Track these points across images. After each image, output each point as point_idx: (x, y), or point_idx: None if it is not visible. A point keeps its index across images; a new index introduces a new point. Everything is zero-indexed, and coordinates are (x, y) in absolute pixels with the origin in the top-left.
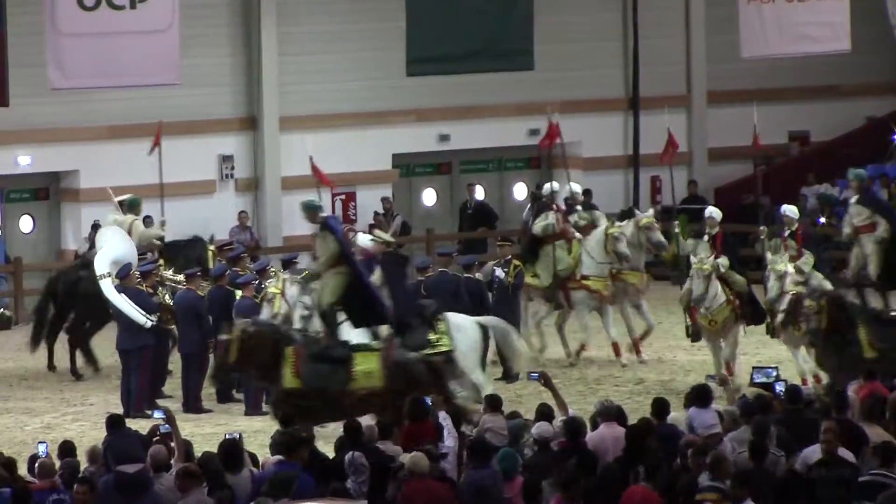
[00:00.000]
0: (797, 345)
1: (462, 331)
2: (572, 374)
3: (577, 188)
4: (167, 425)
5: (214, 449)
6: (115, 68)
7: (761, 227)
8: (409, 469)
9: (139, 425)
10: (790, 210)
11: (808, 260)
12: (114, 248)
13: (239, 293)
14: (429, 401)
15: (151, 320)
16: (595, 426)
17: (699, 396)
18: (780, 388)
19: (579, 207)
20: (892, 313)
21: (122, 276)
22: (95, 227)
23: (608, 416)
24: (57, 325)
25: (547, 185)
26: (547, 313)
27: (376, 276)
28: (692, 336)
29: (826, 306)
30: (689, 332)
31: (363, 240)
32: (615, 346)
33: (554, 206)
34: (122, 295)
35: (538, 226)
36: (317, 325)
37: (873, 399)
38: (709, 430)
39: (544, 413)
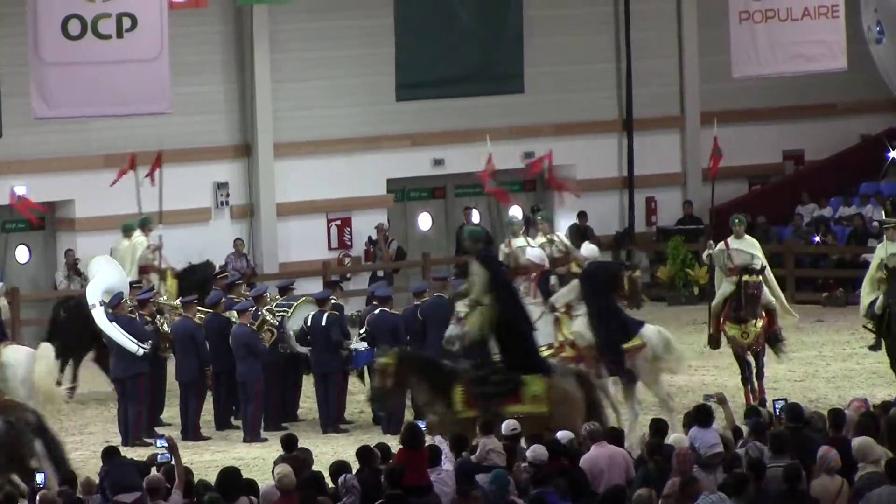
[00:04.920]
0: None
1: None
2: None
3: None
4: (168, 454)
5: (213, 476)
6: (103, 97)
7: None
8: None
9: (138, 453)
10: None
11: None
12: (105, 278)
13: (235, 319)
14: (423, 426)
15: (144, 348)
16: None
17: (700, 416)
18: (779, 405)
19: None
20: None
21: (114, 306)
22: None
23: (596, 437)
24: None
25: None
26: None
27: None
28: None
29: None
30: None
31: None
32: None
33: None
34: (114, 324)
35: None
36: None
37: (867, 415)
38: (711, 449)
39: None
